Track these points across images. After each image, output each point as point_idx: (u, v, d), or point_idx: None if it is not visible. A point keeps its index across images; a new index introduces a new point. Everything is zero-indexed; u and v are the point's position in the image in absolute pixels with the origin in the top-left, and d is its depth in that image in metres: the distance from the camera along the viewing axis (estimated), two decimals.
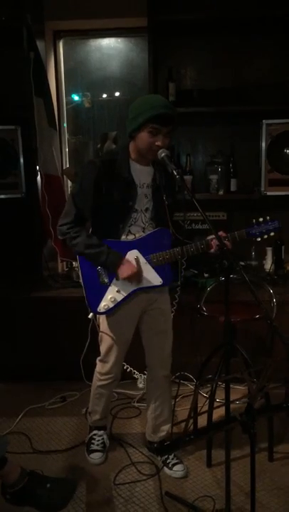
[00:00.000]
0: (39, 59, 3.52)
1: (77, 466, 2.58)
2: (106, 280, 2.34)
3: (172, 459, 2.53)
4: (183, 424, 2.83)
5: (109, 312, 2.37)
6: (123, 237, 2.33)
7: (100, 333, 2.50)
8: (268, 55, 3.68)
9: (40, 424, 3.01)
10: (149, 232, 2.36)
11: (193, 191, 3.62)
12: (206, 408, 2.51)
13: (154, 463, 2.58)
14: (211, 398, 2.49)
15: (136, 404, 3.15)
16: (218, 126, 3.80)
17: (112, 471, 2.52)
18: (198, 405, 2.86)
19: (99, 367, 2.57)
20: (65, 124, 4.18)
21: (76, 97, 4.24)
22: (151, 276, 2.34)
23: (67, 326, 3.41)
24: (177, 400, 2.89)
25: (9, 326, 3.47)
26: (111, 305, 2.34)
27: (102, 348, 2.51)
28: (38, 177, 3.59)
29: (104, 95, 4.24)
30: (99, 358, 2.56)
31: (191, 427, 2.73)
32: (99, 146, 3.97)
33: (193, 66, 3.78)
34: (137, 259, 2.31)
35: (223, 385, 1.96)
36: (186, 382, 3.29)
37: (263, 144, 3.48)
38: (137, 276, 2.29)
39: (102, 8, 3.67)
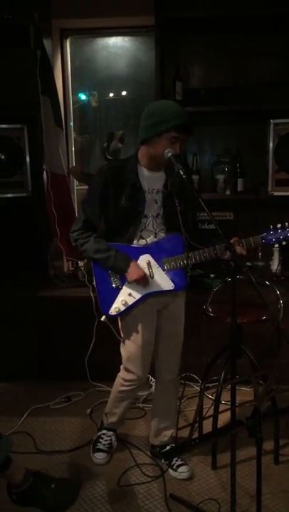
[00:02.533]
0: (46, 57, 3.51)
1: (81, 467, 2.57)
2: (118, 283, 2.34)
3: (177, 460, 2.51)
4: (188, 427, 2.81)
5: (120, 315, 2.36)
6: (134, 242, 2.33)
7: (121, 340, 2.47)
8: (275, 53, 3.65)
9: (45, 424, 3.00)
10: (161, 237, 2.35)
11: (199, 191, 3.60)
12: (211, 411, 2.49)
13: (158, 464, 2.57)
14: (217, 402, 2.47)
15: (141, 405, 3.13)
16: (225, 125, 3.78)
17: (117, 473, 2.51)
18: (204, 407, 2.84)
19: (122, 373, 2.51)
20: (71, 123, 4.17)
21: (83, 96, 4.23)
22: (163, 281, 2.32)
23: (73, 325, 3.40)
24: (183, 400, 2.88)
25: (15, 325, 3.46)
26: (122, 308, 2.33)
27: (123, 355, 2.47)
28: (44, 176, 3.58)
29: (111, 94, 4.23)
30: (122, 365, 2.50)
31: (197, 430, 2.71)
32: (105, 145, 3.96)
33: (201, 65, 3.75)
34: (148, 263, 2.32)
35: (229, 386, 1.94)
36: (191, 383, 3.27)
37: (271, 144, 3.45)
38: (144, 279, 2.28)
39: (109, 6, 3.65)
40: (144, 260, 2.32)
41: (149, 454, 2.65)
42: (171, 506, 2.24)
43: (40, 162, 3.58)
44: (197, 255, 2.28)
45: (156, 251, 2.33)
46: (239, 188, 3.65)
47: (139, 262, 2.31)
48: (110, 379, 2.77)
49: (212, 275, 3.49)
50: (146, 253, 2.32)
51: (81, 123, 4.28)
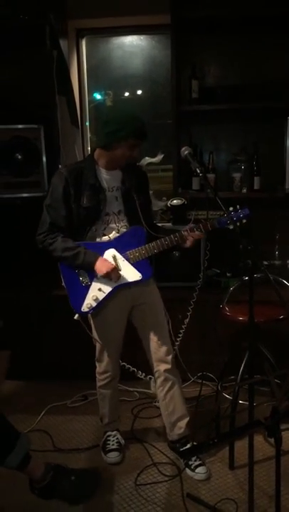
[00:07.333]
0: (62, 57, 3.52)
1: (98, 465, 2.58)
2: (87, 280, 2.41)
3: (194, 460, 2.50)
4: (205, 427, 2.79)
5: (93, 311, 2.42)
6: (97, 240, 2.41)
7: (93, 335, 2.54)
8: None
9: (62, 422, 3.02)
10: (123, 232, 2.43)
11: (216, 189, 3.58)
12: (229, 411, 2.48)
13: (175, 464, 2.57)
14: (234, 402, 2.46)
15: (157, 404, 3.12)
16: (242, 123, 3.75)
17: (134, 472, 2.52)
18: (222, 406, 2.83)
19: (97, 367, 2.64)
20: (87, 123, 4.18)
21: (98, 96, 4.24)
22: (130, 272, 2.40)
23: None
24: (200, 399, 2.87)
25: (32, 324, 3.49)
26: (94, 304, 2.39)
27: (97, 348, 2.59)
28: None
29: (127, 93, 4.23)
30: (95, 358, 2.62)
31: (214, 430, 2.70)
32: None
33: (217, 63, 3.72)
34: (114, 257, 2.38)
35: (246, 386, 1.93)
36: (208, 383, 3.26)
37: (287, 142, 3.42)
38: (114, 272, 2.34)
39: (124, 5, 3.64)
40: (109, 255, 2.39)
41: (166, 453, 2.65)
42: (188, 506, 2.24)
43: (57, 162, 3.59)
44: (160, 244, 2.37)
45: (120, 245, 2.40)
46: (256, 187, 3.62)
47: (104, 257, 2.38)
48: (126, 378, 2.77)
49: (228, 274, 3.48)
50: (111, 248, 2.39)
51: (97, 122, 4.28)
